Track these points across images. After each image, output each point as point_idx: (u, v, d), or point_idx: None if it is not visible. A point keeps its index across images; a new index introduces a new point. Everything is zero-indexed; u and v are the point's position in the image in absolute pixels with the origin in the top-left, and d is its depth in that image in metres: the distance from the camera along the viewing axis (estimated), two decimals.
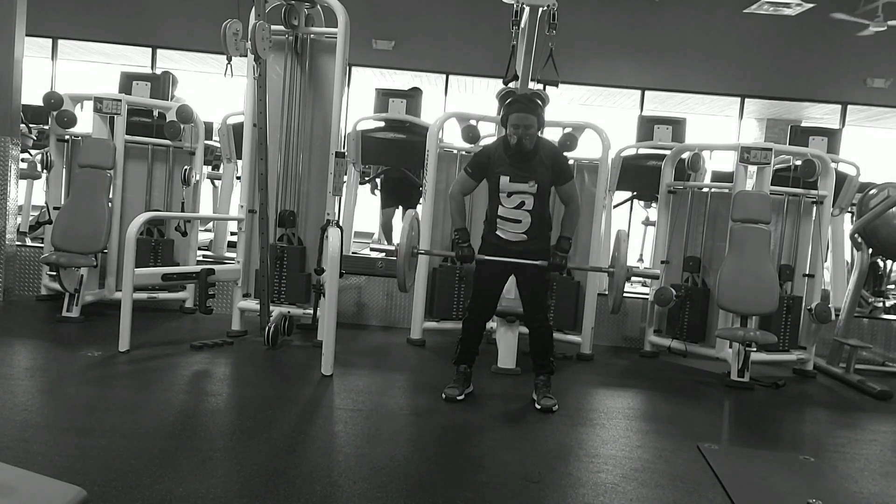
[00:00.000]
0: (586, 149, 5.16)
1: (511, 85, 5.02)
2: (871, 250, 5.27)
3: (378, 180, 7.02)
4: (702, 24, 9.59)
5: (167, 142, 5.28)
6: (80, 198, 4.91)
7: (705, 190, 5.15)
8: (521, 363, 4.30)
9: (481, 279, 3.70)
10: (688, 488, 2.76)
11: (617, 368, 4.86)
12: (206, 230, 7.36)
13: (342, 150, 4.71)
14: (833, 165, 5.36)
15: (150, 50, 10.25)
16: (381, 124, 6.69)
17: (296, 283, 4.77)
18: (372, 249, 6.86)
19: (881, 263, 6.50)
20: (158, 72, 8.34)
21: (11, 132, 5.18)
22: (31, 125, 6.50)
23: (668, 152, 5.45)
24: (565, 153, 5.14)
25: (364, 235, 8.26)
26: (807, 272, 5.12)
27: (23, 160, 5.80)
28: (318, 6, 4.71)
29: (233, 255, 5.31)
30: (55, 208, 5.12)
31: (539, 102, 3.49)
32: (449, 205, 3.69)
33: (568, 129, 5.17)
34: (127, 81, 5.82)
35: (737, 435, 3.75)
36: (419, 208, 6.18)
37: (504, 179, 3.53)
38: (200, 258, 5.71)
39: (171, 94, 6.26)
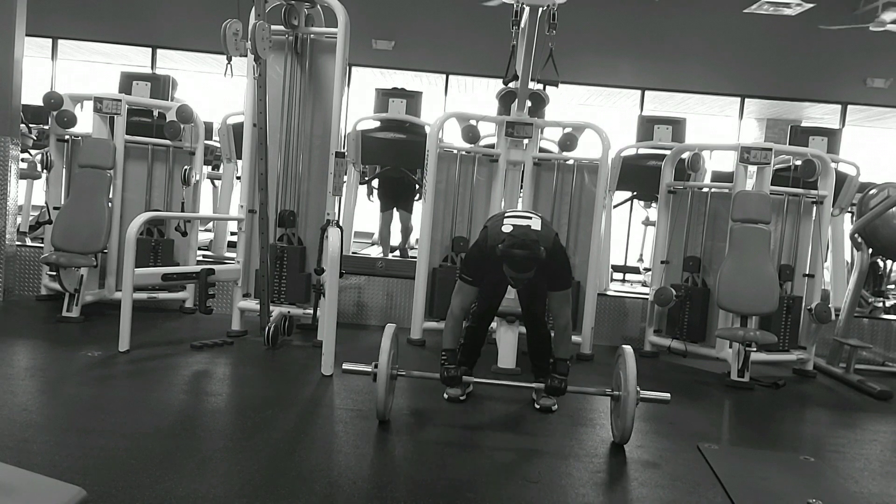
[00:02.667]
0: (586, 149, 5.17)
1: (511, 85, 5.04)
2: (871, 250, 5.27)
3: (375, 183, 7.01)
4: (702, 24, 9.59)
5: (167, 142, 5.28)
6: (80, 198, 4.91)
7: (705, 190, 5.15)
8: (521, 363, 4.30)
9: (482, 295, 3.51)
10: (688, 488, 2.76)
11: None
12: (206, 230, 7.36)
13: (342, 150, 4.72)
14: (833, 165, 5.36)
15: (150, 50, 10.25)
16: (381, 124, 6.70)
17: (296, 283, 4.77)
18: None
19: (881, 263, 6.50)
20: (159, 72, 8.35)
21: (11, 132, 5.18)
22: (31, 125, 6.51)
23: (668, 152, 5.45)
24: (565, 153, 5.18)
25: (364, 235, 8.28)
26: (807, 272, 5.12)
27: (23, 160, 5.80)
28: (318, 6, 4.71)
29: (233, 255, 5.31)
30: (55, 208, 5.12)
31: (538, 250, 3.00)
32: (446, 323, 3.32)
33: (568, 129, 5.17)
34: (127, 81, 5.83)
35: (737, 435, 3.75)
36: (418, 207, 6.22)
37: (500, 282, 3.41)
38: (200, 258, 5.71)
39: (171, 96, 6.26)
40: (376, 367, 3.09)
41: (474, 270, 3.30)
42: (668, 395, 3.14)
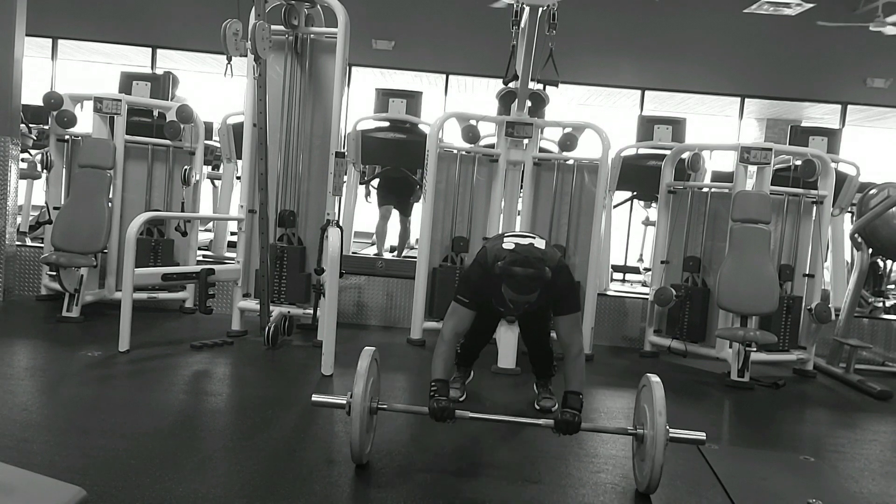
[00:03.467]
0: (586, 149, 5.17)
1: (511, 85, 5.04)
2: (871, 250, 5.27)
3: (374, 183, 7.01)
4: (702, 24, 9.59)
5: (167, 142, 5.28)
6: (80, 198, 4.91)
7: (705, 190, 5.15)
8: (521, 363, 4.30)
9: (478, 322, 3.11)
10: (688, 488, 2.76)
11: (617, 368, 4.85)
12: (206, 230, 7.36)
13: (342, 150, 4.72)
14: (833, 165, 5.36)
15: (150, 50, 10.25)
16: (381, 124, 6.70)
17: (296, 283, 4.77)
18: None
19: (881, 263, 6.50)
20: (159, 72, 8.34)
21: (11, 132, 5.18)
22: (31, 125, 6.50)
23: (668, 152, 5.45)
24: (565, 153, 5.18)
25: (364, 235, 8.27)
26: (807, 272, 5.12)
27: (23, 160, 5.80)
28: (318, 6, 4.71)
29: (233, 255, 5.31)
30: (55, 208, 5.11)
31: (543, 268, 2.69)
32: (437, 348, 2.86)
33: (568, 129, 5.17)
34: (127, 81, 5.83)
35: (737, 435, 3.75)
36: (417, 208, 6.22)
37: (498, 310, 3.07)
38: (200, 258, 5.71)
39: (172, 93, 6.26)
40: (351, 397, 2.59)
41: (473, 291, 2.92)
42: (704, 434, 2.63)
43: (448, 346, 2.87)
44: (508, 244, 2.86)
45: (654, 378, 2.64)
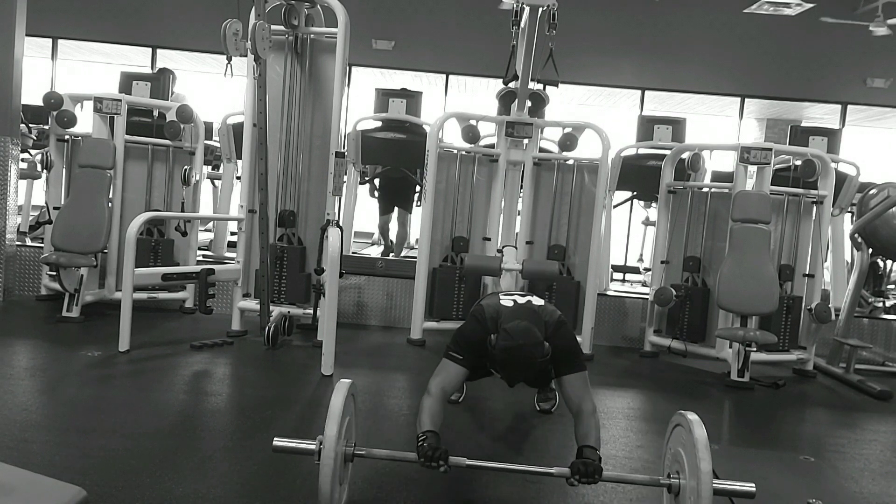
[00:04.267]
0: (586, 149, 5.17)
1: (511, 85, 5.05)
2: (871, 250, 5.27)
3: (377, 182, 7.02)
4: (702, 24, 9.59)
5: (167, 142, 5.28)
6: (80, 198, 4.91)
7: (705, 190, 5.15)
8: None
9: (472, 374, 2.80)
10: None
11: (617, 368, 4.85)
12: (206, 230, 7.36)
13: (342, 150, 4.72)
14: (833, 165, 5.36)
15: (150, 50, 10.25)
16: (381, 124, 6.70)
17: (296, 283, 4.77)
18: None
19: (881, 263, 6.50)
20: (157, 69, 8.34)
21: (11, 132, 5.18)
22: (31, 125, 6.50)
23: (668, 152, 5.45)
24: (565, 153, 5.18)
25: (364, 235, 8.28)
26: (807, 272, 5.12)
27: (23, 160, 5.80)
28: (318, 6, 4.71)
29: (233, 255, 5.30)
30: (55, 208, 5.11)
31: (540, 351, 2.44)
32: (422, 402, 2.47)
33: (568, 129, 5.18)
34: (127, 81, 5.82)
35: (737, 435, 3.75)
36: (417, 209, 6.22)
37: (495, 372, 2.77)
38: (200, 258, 5.71)
39: (171, 90, 6.26)
40: (322, 443, 2.11)
41: (468, 349, 2.61)
42: (753, 485, 2.18)
43: (435, 401, 2.47)
44: (506, 300, 2.69)
45: (692, 416, 2.18)
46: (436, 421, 2.39)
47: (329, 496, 2.07)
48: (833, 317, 4.96)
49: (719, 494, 2.08)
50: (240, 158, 5.05)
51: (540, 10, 4.17)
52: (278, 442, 2.21)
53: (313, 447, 2.13)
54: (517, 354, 2.41)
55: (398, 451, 2.38)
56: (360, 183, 7.02)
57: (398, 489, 2.55)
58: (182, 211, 5.27)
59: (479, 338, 2.58)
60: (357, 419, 2.47)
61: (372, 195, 7.12)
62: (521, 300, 2.71)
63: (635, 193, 7.12)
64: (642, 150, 6.74)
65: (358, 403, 2.51)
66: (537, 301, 2.75)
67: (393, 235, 7.27)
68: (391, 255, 7.14)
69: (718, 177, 5.99)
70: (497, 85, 5.45)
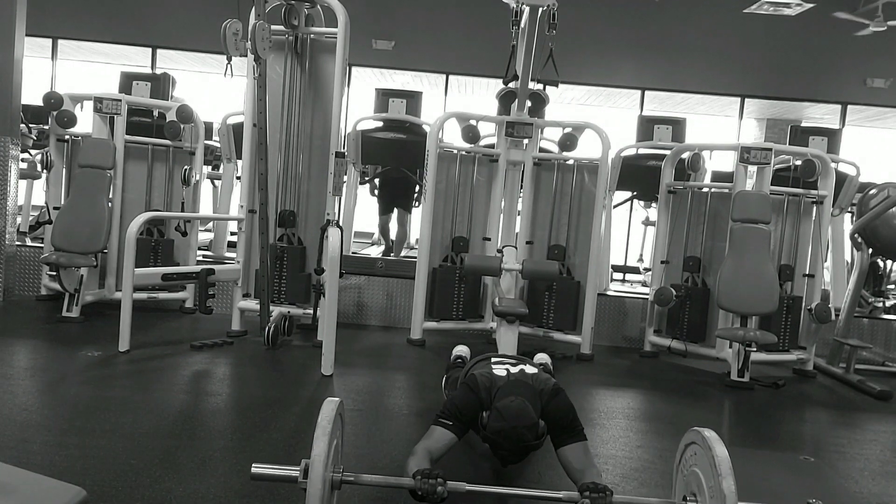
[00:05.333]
0: (586, 149, 5.17)
1: (511, 85, 5.05)
2: (871, 250, 5.27)
3: (377, 181, 7.03)
4: (702, 24, 9.60)
5: (167, 142, 5.28)
6: (80, 198, 4.91)
7: (705, 190, 5.15)
8: None
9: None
10: None
11: (617, 368, 4.85)
12: (206, 230, 7.36)
13: (342, 150, 4.72)
14: (833, 165, 5.36)
15: (150, 50, 10.25)
16: (381, 124, 6.70)
17: (296, 283, 4.77)
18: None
19: (881, 263, 6.50)
20: (157, 71, 8.34)
21: (11, 132, 5.18)
22: (31, 125, 6.50)
23: (668, 152, 5.45)
24: (565, 153, 5.18)
25: (364, 235, 8.28)
26: (807, 272, 5.12)
27: (23, 160, 5.80)
28: (318, 6, 4.71)
29: (233, 255, 5.30)
30: (55, 208, 5.11)
31: (535, 432, 2.34)
32: (408, 462, 2.27)
33: (568, 129, 5.17)
34: (127, 81, 5.83)
35: (737, 435, 3.75)
36: (416, 209, 6.23)
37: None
38: (200, 258, 5.71)
39: (170, 94, 6.26)
40: (307, 469, 1.87)
41: (461, 416, 2.46)
42: None
43: (418, 461, 2.26)
44: (499, 370, 2.58)
45: (709, 433, 1.96)
46: (422, 468, 2.17)
47: None
48: (833, 317, 4.96)
49: None
50: (240, 158, 5.05)
51: (540, 10, 4.17)
52: (258, 469, 1.97)
53: (297, 473, 1.89)
54: (510, 436, 2.30)
55: (392, 475, 2.24)
56: (361, 183, 7.02)
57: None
58: (182, 211, 5.27)
59: (471, 408, 2.48)
60: (343, 441, 2.23)
61: (372, 194, 7.13)
62: (514, 370, 2.60)
63: (635, 193, 7.12)
64: (642, 150, 6.75)
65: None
66: (530, 370, 2.63)
67: (393, 235, 7.28)
68: (391, 254, 7.15)
69: (718, 177, 5.99)
70: (497, 85, 5.45)
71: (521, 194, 5.33)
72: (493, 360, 2.78)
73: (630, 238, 8.59)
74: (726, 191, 4.94)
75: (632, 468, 2.94)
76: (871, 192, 5.38)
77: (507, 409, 2.32)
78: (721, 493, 1.79)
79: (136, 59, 10.66)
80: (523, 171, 5.24)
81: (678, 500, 2.09)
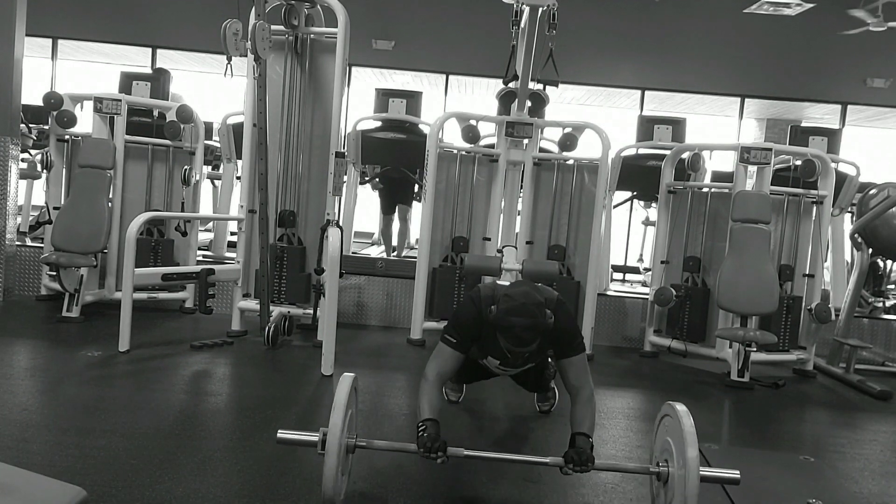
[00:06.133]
0: (586, 149, 5.17)
1: (511, 85, 5.05)
2: (871, 250, 5.27)
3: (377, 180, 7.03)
4: (702, 24, 9.60)
5: (167, 142, 5.28)
6: (80, 198, 4.91)
7: (705, 190, 5.15)
8: None
9: (469, 365, 2.83)
10: None
11: (617, 368, 4.85)
12: (206, 230, 7.36)
13: (342, 150, 4.72)
14: (833, 165, 5.36)
15: (150, 50, 10.25)
16: (381, 124, 6.70)
17: (296, 283, 4.77)
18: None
19: (881, 263, 6.50)
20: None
21: (11, 132, 5.18)
22: (31, 125, 6.50)
23: (668, 152, 5.45)
24: (565, 153, 5.18)
25: (364, 235, 8.28)
26: (807, 272, 5.12)
27: (23, 160, 5.80)
28: (318, 6, 4.71)
29: (233, 255, 5.31)
30: (55, 208, 5.11)
31: (544, 316, 2.41)
32: (420, 387, 2.52)
33: (568, 129, 5.17)
34: (127, 81, 5.83)
35: (737, 435, 3.75)
36: (417, 207, 6.22)
37: (492, 360, 2.79)
38: (200, 258, 5.71)
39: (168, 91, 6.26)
40: (325, 434, 2.19)
41: (464, 333, 2.60)
42: (738, 472, 2.32)
43: (432, 386, 2.50)
44: (503, 281, 2.70)
45: (680, 407, 2.29)
46: (434, 407, 2.43)
47: (332, 486, 2.14)
48: (833, 317, 4.96)
49: (706, 481, 2.16)
50: (240, 158, 5.05)
51: (540, 10, 4.17)
52: (282, 434, 2.29)
53: (316, 439, 2.21)
54: (520, 313, 2.35)
55: (398, 441, 2.50)
56: (361, 183, 7.02)
57: (397, 483, 2.57)
58: (182, 211, 5.27)
59: (473, 318, 2.57)
60: (358, 412, 2.54)
61: (374, 189, 7.10)
62: (520, 283, 2.72)
63: (635, 193, 7.12)
64: (642, 150, 6.75)
65: (360, 397, 2.55)
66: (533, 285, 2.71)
67: (394, 238, 7.26)
68: (393, 253, 7.15)
69: (718, 177, 5.99)
70: (497, 85, 5.45)
71: (521, 194, 5.33)
72: (499, 281, 2.91)
73: (630, 238, 8.58)
74: (726, 191, 4.94)
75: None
76: (871, 192, 5.38)
77: (515, 292, 2.42)
78: (686, 458, 2.14)
79: (136, 59, 10.66)
80: (523, 171, 5.24)
81: (653, 465, 2.39)
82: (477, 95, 11.90)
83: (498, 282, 2.72)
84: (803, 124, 10.49)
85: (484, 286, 2.71)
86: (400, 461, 2.69)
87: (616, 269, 7.67)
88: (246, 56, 4.24)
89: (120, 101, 5.04)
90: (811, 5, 8.40)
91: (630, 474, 2.75)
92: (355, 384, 2.40)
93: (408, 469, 2.68)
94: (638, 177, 6.47)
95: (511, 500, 2.55)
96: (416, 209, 6.53)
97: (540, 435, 3.31)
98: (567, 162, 5.20)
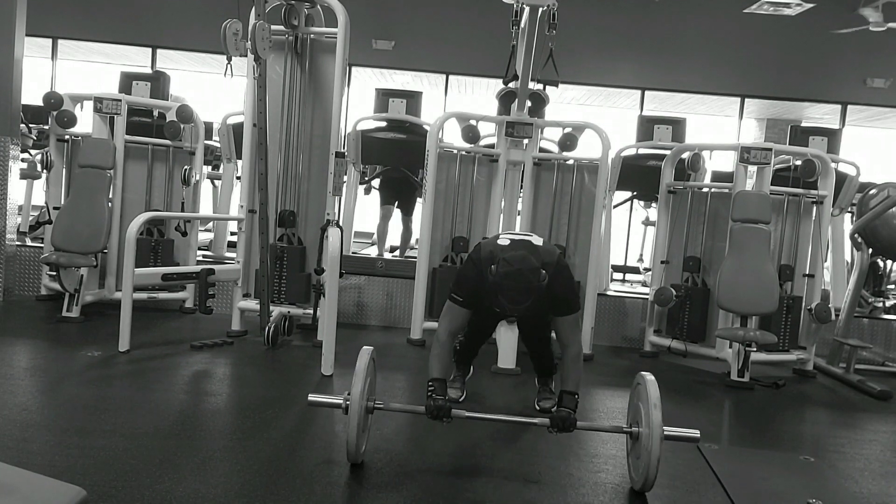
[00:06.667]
0: (586, 149, 5.17)
1: (511, 85, 5.04)
2: (871, 250, 5.27)
3: (375, 182, 7.01)
4: (702, 24, 9.60)
5: (167, 142, 5.28)
6: (80, 198, 4.91)
7: (705, 190, 5.15)
8: (521, 363, 4.30)
9: (476, 315, 3.06)
10: (688, 488, 2.76)
11: (617, 368, 4.85)
12: (206, 230, 7.36)
13: (342, 150, 4.72)
14: (833, 165, 5.36)
15: (150, 50, 10.25)
16: (381, 124, 6.70)
17: (296, 283, 4.77)
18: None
19: (881, 263, 6.50)
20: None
21: (11, 132, 5.18)
22: (31, 125, 6.50)
23: (668, 152, 5.45)
24: (565, 153, 5.18)
25: (364, 235, 8.27)
26: (807, 272, 5.12)
27: (23, 160, 5.80)
28: (318, 6, 4.71)
29: (233, 255, 5.31)
30: (55, 208, 5.11)
31: (538, 278, 2.59)
32: (432, 349, 2.87)
33: (568, 129, 5.17)
34: (127, 81, 5.83)
35: (737, 435, 3.75)
36: (417, 209, 6.22)
37: (494, 308, 2.85)
38: (200, 258, 5.71)
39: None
40: (348, 397, 2.60)
41: (468, 291, 2.85)
42: (698, 432, 2.66)
43: (444, 347, 2.85)
44: (504, 240, 2.84)
45: (649, 376, 2.66)
46: (444, 366, 2.84)
47: (356, 442, 2.56)
48: (833, 317, 4.96)
49: (669, 439, 2.56)
50: (240, 158, 5.05)
51: (540, 10, 4.17)
52: (313, 397, 2.71)
53: (341, 401, 2.60)
54: (516, 278, 2.56)
55: (409, 405, 2.91)
56: (360, 183, 7.01)
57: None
58: (182, 211, 5.27)
59: (474, 279, 2.79)
60: (376, 379, 2.92)
61: (367, 192, 7.07)
62: (521, 239, 2.86)
63: (635, 193, 7.12)
64: (642, 150, 6.75)
65: (377, 367, 2.91)
66: (537, 240, 2.87)
67: (394, 237, 7.26)
68: (395, 253, 7.14)
69: (718, 177, 5.99)
70: (497, 85, 5.45)
71: (521, 194, 5.33)
72: (502, 234, 3.05)
73: (630, 238, 8.58)
74: (726, 191, 4.94)
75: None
76: (871, 192, 5.38)
77: (512, 257, 2.60)
78: (651, 420, 2.54)
79: (136, 59, 10.66)
80: (523, 171, 5.24)
81: (626, 426, 2.79)
82: (477, 95, 11.90)
83: (499, 241, 2.85)
84: (803, 124, 10.49)
85: (485, 245, 2.91)
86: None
87: (616, 269, 7.67)
88: (246, 56, 4.25)
89: (120, 101, 5.04)
90: (811, 5, 8.40)
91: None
92: (373, 356, 2.77)
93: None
94: (638, 177, 6.47)
95: (511, 500, 2.54)
96: (416, 209, 6.53)
97: (538, 427, 3.30)
98: (567, 162, 5.20)
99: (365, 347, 2.75)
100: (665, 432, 2.53)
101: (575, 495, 2.62)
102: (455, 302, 2.86)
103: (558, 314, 2.87)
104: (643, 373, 2.70)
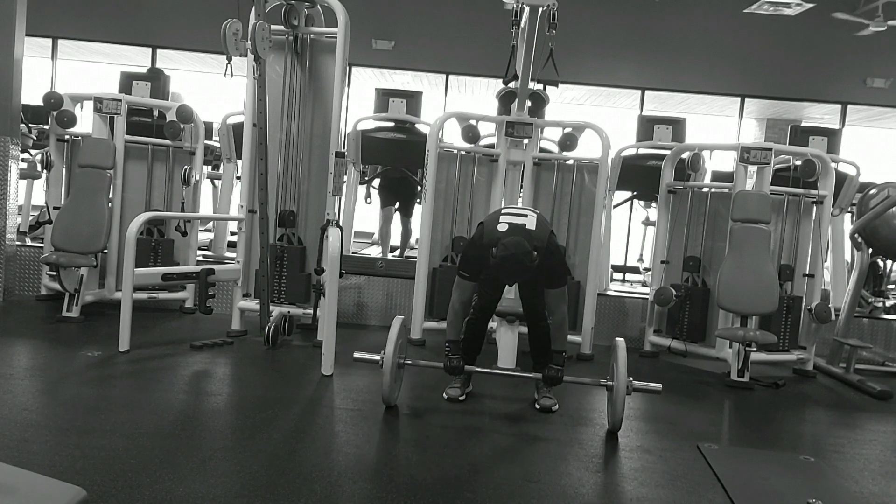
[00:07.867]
0: (586, 149, 5.17)
1: (511, 85, 5.05)
2: (871, 250, 5.27)
3: (375, 185, 7.00)
4: (702, 24, 9.60)
5: (167, 142, 5.28)
6: (80, 198, 4.91)
7: (705, 190, 5.15)
8: (522, 363, 4.30)
9: (482, 289, 3.58)
10: (688, 488, 2.76)
11: None
12: (206, 230, 7.36)
13: (342, 150, 4.72)
14: (833, 165, 5.36)
15: (150, 50, 10.26)
16: (381, 124, 6.70)
17: (296, 283, 4.77)
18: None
19: (881, 263, 6.50)
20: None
21: (11, 132, 5.18)
22: (31, 125, 6.50)
23: (668, 152, 5.45)
24: (565, 153, 5.18)
25: (364, 235, 8.28)
26: (807, 272, 5.12)
27: (23, 160, 5.80)
28: (318, 6, 4.71)
29: (233, 255, 5.31)
30: (55, 208, 5.11)
31: (530, 260, 3.11)
32: (448, 316, 3.48)
33: (568, 129, 5.17)
34: (127, 81, 5.83)
35: (737, 435, 3.75)
36: (417, 210, 6.22)
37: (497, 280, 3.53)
38: (200, 258, 5.71)
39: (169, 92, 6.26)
40: (384, 354, 3.30)
41: (472, 267, 3.38)
42: (660, 385, 3.31)
43: (457, 315, 3.45)
44: (502, 224, 3.23)
45: (621, 342, 3.35)
46: (458, 328, 3.48)
47: (389, 388, 3.33)
48: (833, 317, 4.96)
49: (636, 391, 3.26)
50: (240, 158, 5.05)
51: (540, 10, 4.17)
52: (357, 354, 3.41)
53: (379, 358, 3.33)
54: (512, 261, 3.09)
55: (431, 362, 3.58)
56: (361, 183, 7.01)
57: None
58: (182, 211, 5.27)
59: (477, 258, 3.31)
60: (406, 342, 3.63)
61: (367, 201, 7.05)
62: (517, 222, 3.24)
63: (635, 193, 7.12)
64: (642, 150, 6.75)
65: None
66: (531, 224, 3.26)
67: (395, 237, 7.26)
68: (395, 252, 7.14)
69: (718, 177, 5.99)
70: (497, 85, 5.45)
71: (521, 194, 5.33)
72: (503, 212, 3.41)
73: (630, 238, 8.59)
74: (726, 191, 4.94)
75: (632, 468, 2.94)
76: (871, 192, 5.38)
77: (509, 242, 3.10)
78: (619, 375, 3.21)
79: (136, 59, 10.67)
80: (523, 171, 5.24)
81: (605, 380, 3.37)
82: (477, 95, 11.91)
83: (498, 225, 3.24)
84: (803, 124, 10.50)
85: (487, 227, 3.31)
86: (418, 431, 3.30)
87: (616, 269, 7.68)
88: (246, 56, 4.25)
89: (120, 101, 5.04)
90: (811, 5, 8.40)
91: (632, 478, 2.75)
92: (404, 322, 3.48)
93: (417, 430, 3.32)
94: (638, 177, 6.47)
95: (511, 499, 2.54)
96: (417, 210, 6.52)
97: (538, 426, 3.31)
98: (567, 162, 5.20)
99: (397, 317, 3.47)
100: (632, 385, 3.21)
101: (575, 495, 2.62)
102: (463, 278, 3.42)
103: (548, 286, 3.39)
104: (617, 339, 3.38)
